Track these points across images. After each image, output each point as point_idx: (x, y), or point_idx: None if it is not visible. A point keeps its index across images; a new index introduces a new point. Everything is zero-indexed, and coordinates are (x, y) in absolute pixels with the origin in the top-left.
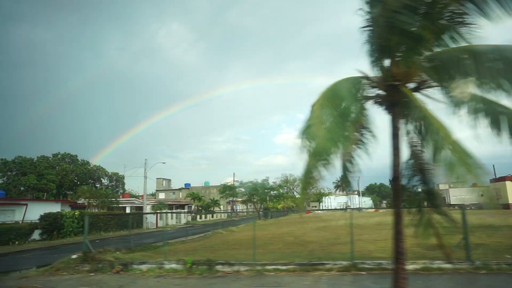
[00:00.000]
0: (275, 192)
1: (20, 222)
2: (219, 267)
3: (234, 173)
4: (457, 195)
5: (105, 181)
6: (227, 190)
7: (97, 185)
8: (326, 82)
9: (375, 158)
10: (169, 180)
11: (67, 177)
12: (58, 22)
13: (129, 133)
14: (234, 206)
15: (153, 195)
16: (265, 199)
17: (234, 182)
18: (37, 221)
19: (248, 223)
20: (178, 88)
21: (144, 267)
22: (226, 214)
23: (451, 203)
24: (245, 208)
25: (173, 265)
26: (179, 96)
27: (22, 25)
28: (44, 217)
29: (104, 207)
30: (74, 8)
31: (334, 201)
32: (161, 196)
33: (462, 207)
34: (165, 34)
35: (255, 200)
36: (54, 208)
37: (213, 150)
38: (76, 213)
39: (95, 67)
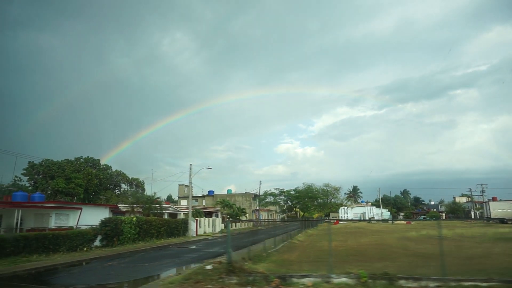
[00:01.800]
0: (320, 200)
1: (74, 227)
2: (402, 282)
3: (260, 181)
4: (498, 208)
5: (125, 186)
6: (268, 198)
7: (116, 191)
8: (327, 93)
9: (385, 169)
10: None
11: (92, 181)
12: (65, 29)
13: (131, 139)
14: (258, 215)
15: (175, 202)
16: (309, 208)
17: (275, 190)
18: (97, 226)
19: (301, 231)
20: (180, 96)
21: (307, 280)
22: (252, 224)
23: (491, 216)
24: (267, 216)
25: (343, 279)
26: (180, 104)
27: (30, 31)
28: (105, 223)
29: (150, 213)
30: (80, 16)
31: (351, 212)
32: (183, 203)
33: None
34: (169, 43)
35: (297, 208)
36: (104, 213)
37: (213, 158)
38: (133, 219)
39: (99, 73)
